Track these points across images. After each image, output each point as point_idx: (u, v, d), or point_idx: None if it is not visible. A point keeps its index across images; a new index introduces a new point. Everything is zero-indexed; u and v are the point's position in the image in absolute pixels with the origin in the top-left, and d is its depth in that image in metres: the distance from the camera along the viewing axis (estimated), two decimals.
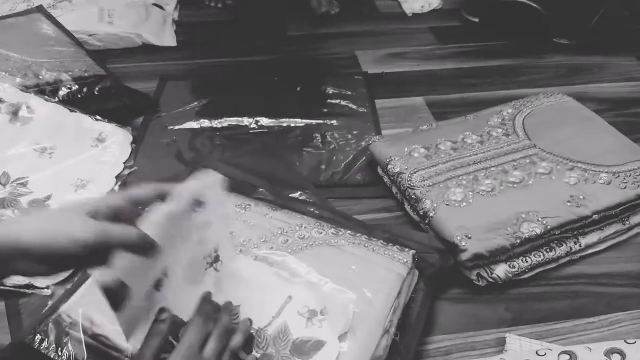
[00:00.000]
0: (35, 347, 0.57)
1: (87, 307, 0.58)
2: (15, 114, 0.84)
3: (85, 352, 0.55)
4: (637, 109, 1.01)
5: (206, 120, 0.97)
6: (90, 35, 1.17)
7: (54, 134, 0.85)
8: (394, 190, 0.79)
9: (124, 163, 0.85)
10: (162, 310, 0.47)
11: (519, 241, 0.64)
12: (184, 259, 0.50)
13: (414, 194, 0.72)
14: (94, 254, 0.40)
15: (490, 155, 0.77)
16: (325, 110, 1.00)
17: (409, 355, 0.56)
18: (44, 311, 0.62)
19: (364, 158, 0.87)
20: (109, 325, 0.55)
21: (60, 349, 0.56)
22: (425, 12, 1.40)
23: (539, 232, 0.65)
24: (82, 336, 0.56)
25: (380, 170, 0.82)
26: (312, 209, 0.71)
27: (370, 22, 1.36)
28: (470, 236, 0.65)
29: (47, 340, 0.57)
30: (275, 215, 0.68)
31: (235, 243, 0.64)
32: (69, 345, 0.56)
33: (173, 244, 0.47)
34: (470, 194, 0.71)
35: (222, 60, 1.19)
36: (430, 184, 0.73)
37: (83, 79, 0.93)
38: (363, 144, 0.90)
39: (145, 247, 0.43)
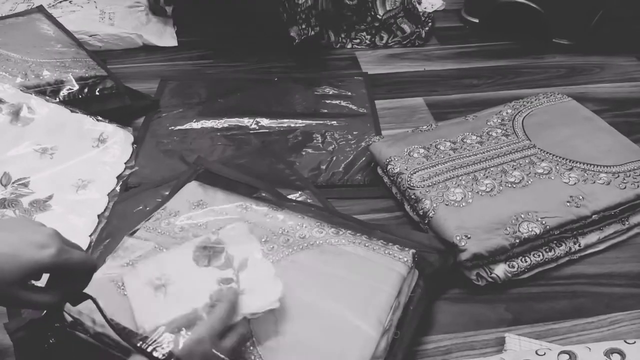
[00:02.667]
0: None
1: (89, 306, 0.58)
2: (16, 114, 0.84)
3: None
4: (637, 109, 1.01)
5: (207, 121, 0.97)
6: (91, 36, 1.17)
7: (54, 134, 0.85)
8: (394, 190, 0.79)
9: (125, 163, 0.86)
10: None
11: (518, 241, 0.65)
12: None
13: (414, 194, 0.73)
14: None
15: (489, 156, 0.77)
16: (325, 111, 1.00)
17: (408, 354, 0.56)
18: None
19: (364, 158, 0.87)
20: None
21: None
22: (427, 12, 1.39)
23: (538, 232, 0.65)
24: (84, 335, 0.56)
25: (380, 170, 0.82)
26: (312, 209, 0.71)
27: None
28: (469, 236, 0.65)
29: None
30: (275, 215, 0.69)
31: None
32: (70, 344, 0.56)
33: None
34: (470, 194, 0.71)
35: (222, 60, 1.19)
36: (430, 184, 0.73)
37: (84, 80, 0.93)
38: (363, 144, 0.90)
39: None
